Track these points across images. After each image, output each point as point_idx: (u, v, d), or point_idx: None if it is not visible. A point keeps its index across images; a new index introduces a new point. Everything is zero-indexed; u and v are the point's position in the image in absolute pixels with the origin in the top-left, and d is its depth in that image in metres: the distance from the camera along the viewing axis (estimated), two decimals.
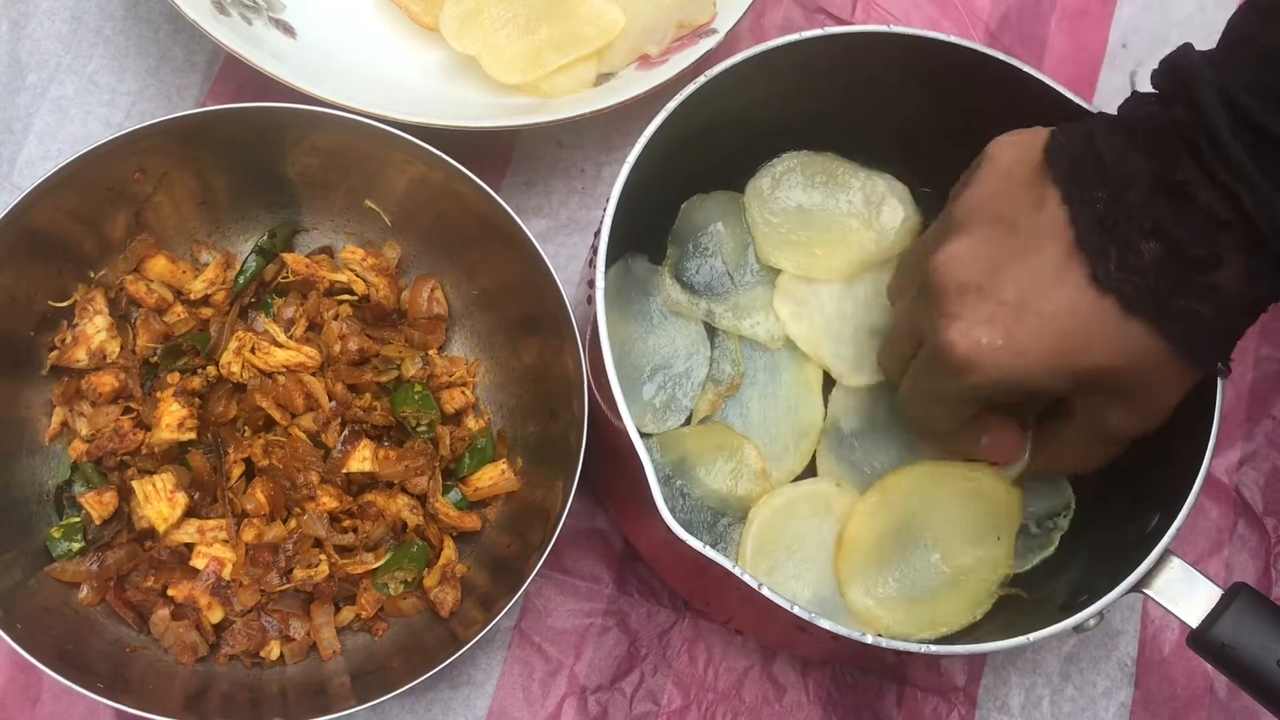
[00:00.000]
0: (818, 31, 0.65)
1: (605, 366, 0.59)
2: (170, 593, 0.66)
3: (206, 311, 0.71)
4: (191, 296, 0.70)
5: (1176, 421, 0.64)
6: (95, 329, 0.68)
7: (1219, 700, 0.74)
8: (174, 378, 0.68)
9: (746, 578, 0.55)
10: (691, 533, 0.56)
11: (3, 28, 0.79)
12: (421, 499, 0.69)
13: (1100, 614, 0.59)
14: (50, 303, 0.68)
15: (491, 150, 0.79)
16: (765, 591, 0.55)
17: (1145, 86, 0.57)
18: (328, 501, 0.67)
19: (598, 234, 0.62)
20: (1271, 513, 0.78)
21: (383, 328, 0.72)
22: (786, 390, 0.73)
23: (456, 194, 0.68)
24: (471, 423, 0.72)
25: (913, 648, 0.58)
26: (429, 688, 0.70)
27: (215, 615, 0.66)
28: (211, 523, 0.67)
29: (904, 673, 0.73)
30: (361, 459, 0.67)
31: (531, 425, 0.72)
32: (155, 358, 0.69)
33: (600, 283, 0.60)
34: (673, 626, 0.73)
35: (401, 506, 0.68)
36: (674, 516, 0.56)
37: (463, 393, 0.71)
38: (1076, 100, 0.66)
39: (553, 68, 0.75)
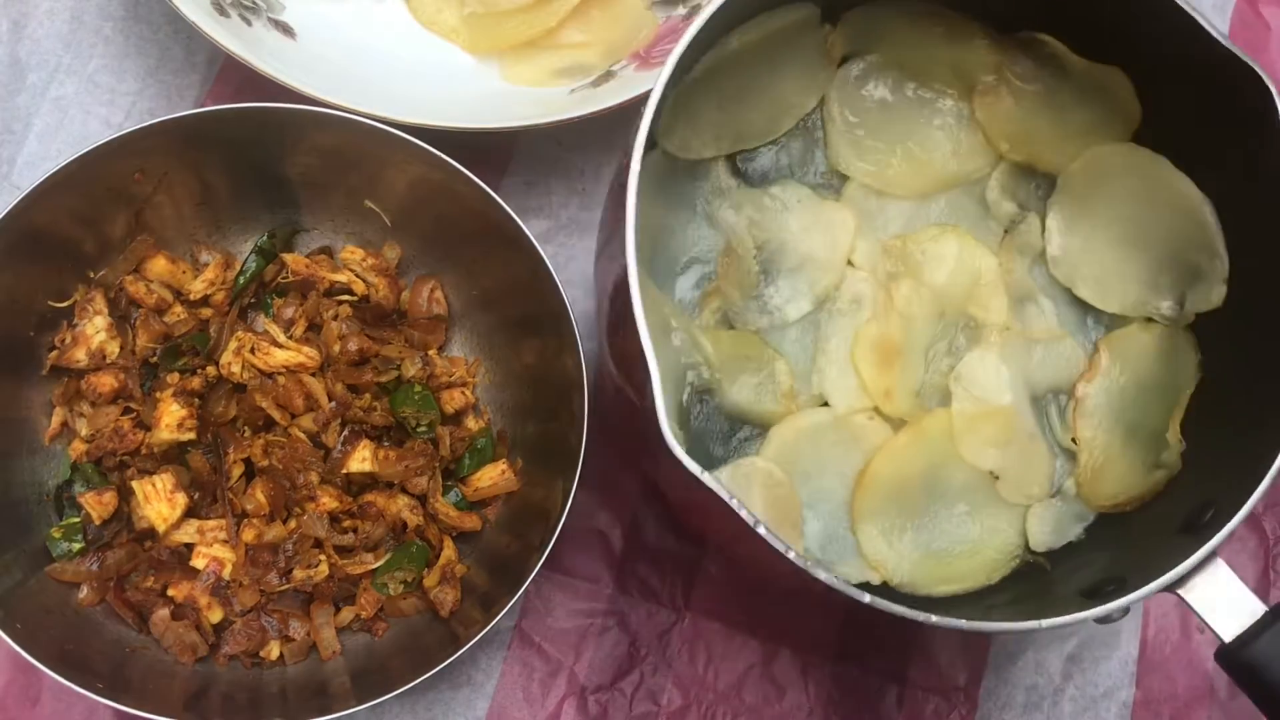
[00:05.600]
0: None
1: (626, 227, 0.52)
2: (170, 593, 0.66)
3: (206, 312, 0.70)
4: (191, 297, 0.70)
5: (1255, 410, 0.59)
6: (95, 329, 0.68)
7: (1220, 700, 0.74)
8: (174, 378, 0.68)
9: (743, 512, 0.50)
10: (704, 443, 0.51)
11: (3, 28, 0.79)
12: (421, 499, 0.69)
13: (1126, 608, 0.55)
14: (50, 303, 0.68)
15: (491, 150, 0.79)
16: (761, 531, 0.50)
17: None
18: (327, 502, 0.66)
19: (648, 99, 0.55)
20: (1271, 514, 0.78)
21: (382, 328, 0.72)
22: None
23: (456, 194, 0.68)
24: (471, 423, 0.72)
25: (911, 614, 0.52)
26: (429, 688, 0.70)
27: (215, 615, 0.66)
28: (211, 523, 0.67)
29: (905, 673, 0.73)
30: (361, 459, 0.67)
31: (531, 425, 0.71)
32: (155, 358, 0.69)
33: (638, 153, 0.52)
34: (673, 627, 0.72)
35: (401, 507, 0.68)
36: (687, 426, 0.51)
37: (462, 393, 0.71)
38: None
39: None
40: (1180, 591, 0.56)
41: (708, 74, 0.63)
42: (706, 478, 0.50)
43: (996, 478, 0.66)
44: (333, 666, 0.67)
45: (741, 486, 0.60)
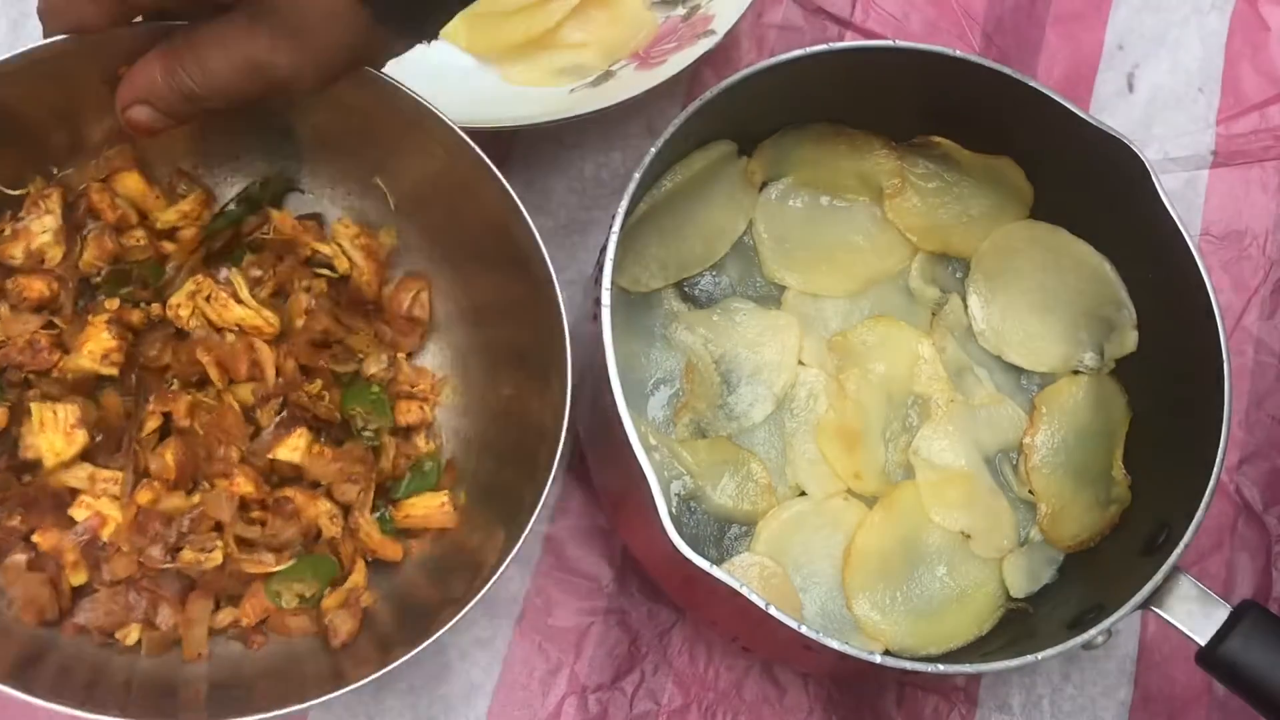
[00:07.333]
0: (821, 48, 0.67)
1: (611, 383, 0.59)
2: (35, 538, 0.58)
3: (169, 246, 0.64)
4: (158, 225, 0.64)
5: (1185, 435, 0.66)
6: (42, 228, 0.61)
7: (1218, 699, 0.74)
8: (112, 304, 0.62)
9: (754, 598, 0.56)
10: (699, 547, 0.56)
11: (3, 28, 0.77)
12: (346, 510, 0.63)
13: (1109, 631, 0.60)
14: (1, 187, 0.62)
15: (491, 150, 0.75)
16: (773, 611, 0.56)
17: (1142, 87, 0.58)
18: (242, 484, 0.60)
19: (603, 251, 0.62)
20: (1271, 511, 0.79)
21: (355, 315, 0.66)
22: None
23: (476, 196, 0.62)
24: (422, 442, 0.66)
25: (920, 667, 0.59)
26: (429, 688, 0.67)
27: (78, 578, 0.59)
28: (106, 473, 0.59)
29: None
30: (292, 448, 0.61)
31: (488, 463, 0.66)
32: (98, 278, 0.63)
33: (606, 300, 0.60)
34: (673, 626, 0.72)
35: (321, 512, 0.62)
36: (680, 532, 0.56)
37: (421, 407, 0.66)
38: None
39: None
40: (1154, 608, 0.62)
41: (646, 215, 0.71)
42: (718, 572, 0.56)
43: (968, 536, 0.70)
44: (192, 670, 0.59)
45: (739, 582, 0.63)
